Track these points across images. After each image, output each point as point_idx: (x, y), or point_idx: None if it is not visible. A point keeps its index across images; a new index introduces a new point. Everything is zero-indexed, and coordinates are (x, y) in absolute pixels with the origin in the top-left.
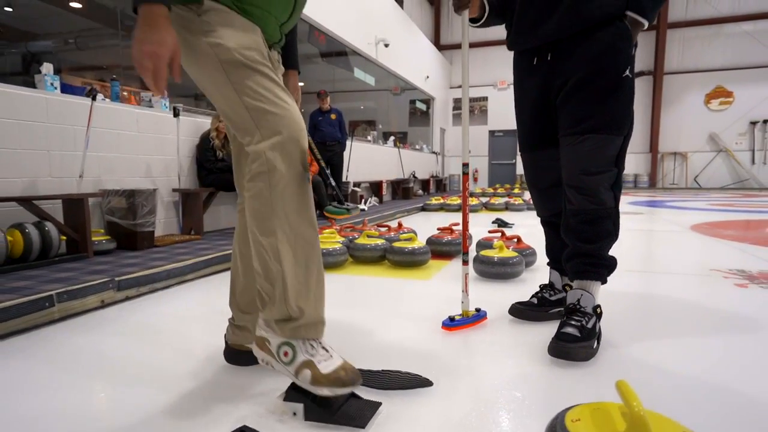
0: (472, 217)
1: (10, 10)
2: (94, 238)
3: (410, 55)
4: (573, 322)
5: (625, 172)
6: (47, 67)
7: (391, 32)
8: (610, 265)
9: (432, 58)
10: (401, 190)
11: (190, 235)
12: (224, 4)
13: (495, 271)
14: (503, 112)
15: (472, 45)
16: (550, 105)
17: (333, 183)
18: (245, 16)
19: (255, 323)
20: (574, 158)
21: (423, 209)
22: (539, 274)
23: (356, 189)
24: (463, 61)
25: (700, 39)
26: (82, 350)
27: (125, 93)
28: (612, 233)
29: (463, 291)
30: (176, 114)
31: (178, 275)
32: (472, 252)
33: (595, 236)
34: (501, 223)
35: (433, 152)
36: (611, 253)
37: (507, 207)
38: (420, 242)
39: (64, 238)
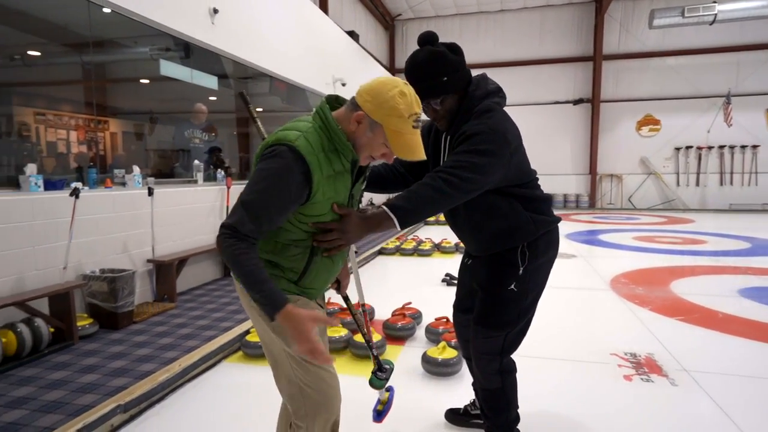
0: (422, 263)
1: None
2: (78, 323)
3: None
4: None
5: (567, 192)
6: (31, 168)
7: (347, 68)
8: (506, 428)
9: None
10: None
11: (164, 302)
12: (292, 292)
13: (439, 371)
14: None
15: None
16: (474, 291)
17: (375, 353)
18: (305, 296)
19: None
20: (475, 342)
21: (380, 253)
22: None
23: None
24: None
25: (631, 71)
26: None
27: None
28: (504, 408)
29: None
30: (150, 193)
31: (170, 384)
32: (422, 338)
33: (490, 412)
34: (450, 280)
35: None
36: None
37: (457, 249)
38: (377, 335)
39: (53, 329)
